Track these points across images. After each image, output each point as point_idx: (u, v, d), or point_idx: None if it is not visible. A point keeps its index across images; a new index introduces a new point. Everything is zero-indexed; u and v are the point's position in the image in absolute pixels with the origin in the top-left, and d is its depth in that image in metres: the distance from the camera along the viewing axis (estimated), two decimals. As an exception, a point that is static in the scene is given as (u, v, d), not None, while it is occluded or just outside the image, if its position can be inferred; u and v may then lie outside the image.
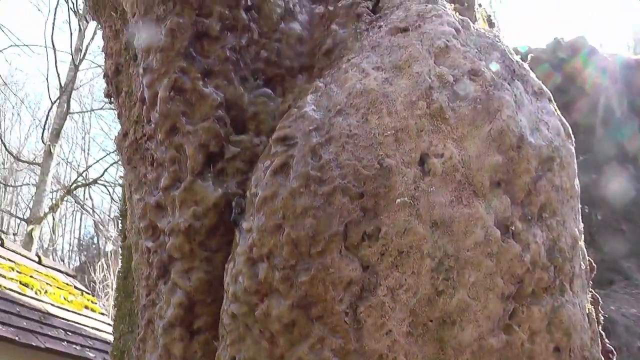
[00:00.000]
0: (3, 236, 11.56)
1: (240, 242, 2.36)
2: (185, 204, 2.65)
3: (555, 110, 2.50)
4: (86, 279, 20.63)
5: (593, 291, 2.57)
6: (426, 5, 2.62)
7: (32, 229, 16.85)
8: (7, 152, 19.15)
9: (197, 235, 2.63)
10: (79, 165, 25.23)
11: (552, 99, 2.54)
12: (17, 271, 8.60)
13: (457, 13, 3.11)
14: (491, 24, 9.74)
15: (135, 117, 2.98)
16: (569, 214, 2.38)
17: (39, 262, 9.92)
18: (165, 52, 2.74)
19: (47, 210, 17.82)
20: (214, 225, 2.63)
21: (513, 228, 2.19)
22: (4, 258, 8.66)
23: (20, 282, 8.32)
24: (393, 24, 2.58)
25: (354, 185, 2.17)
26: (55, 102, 16.94)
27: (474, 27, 2.66)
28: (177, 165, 2.72)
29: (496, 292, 2.14)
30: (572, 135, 2.53)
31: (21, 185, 23.64)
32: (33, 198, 19.27)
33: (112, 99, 3.27)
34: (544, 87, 2.56)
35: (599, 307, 2.60)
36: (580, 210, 2.51)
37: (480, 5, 4.00)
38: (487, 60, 2.46)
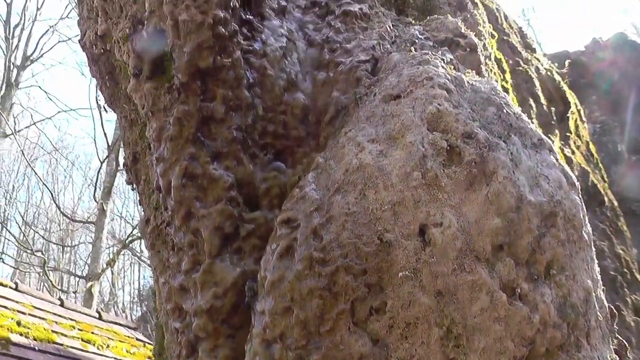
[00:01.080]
0: (62, 296, 12.11)
1: (255, 324, 2.51)
2: (206, 286, 2.82)
3: (557, 160, 2.56)
4: (149, 328, 21.17)
5: (619, 337, 2.58)
6: (418, 68, 2.74)
7: (92, 285, 17.54)
8: (61, 214, 20.15)
9: (219, 315, 2.80)
10: (132, 219, 26.19)
11: (553, 148, 2.60)
12: (78, 329, 9.02)
13: (452, 68, 3.22)
14: (523, 35, 9.72)
15: (154, 204, 3.20)
16: (580, 266, 2.41)
17: (99, 318, 10.36)
18: (175, 140, 2.96)
19: (104, 265, 18.52)
20: (235, 303, 2.80)
21: (519, 290, 2.25)
22: (64, 317, 9.10)
23: (82, 339, 8.72)
24: (386, 91, 2.71)
25: (357, 263, 2.29)
26: (104, 161, 17.72)
27: (468, 83, 2.76)
28: (196, 249, 2.91)
29: (508, 356, 2.20)
30: (577, 184, 2.57)
31: (77, 245, 24.76)
32: (90, 255, 19.99)
33: (133, 185, 3.52)
34: (543, 137, 2.62)
35: (627, 352, 2.60)
36: (594, 257, 2.54)
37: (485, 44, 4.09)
38: (481, 118, 2.55)
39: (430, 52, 2.97)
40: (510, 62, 8.89)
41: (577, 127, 9.97)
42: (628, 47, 13.90)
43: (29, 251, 19.00)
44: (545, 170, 2.47)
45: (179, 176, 2.90)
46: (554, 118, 9.04)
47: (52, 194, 19.74)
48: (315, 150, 3.12)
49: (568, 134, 9.39)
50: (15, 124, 19.95)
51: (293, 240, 2.43)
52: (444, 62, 3.02)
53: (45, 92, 19.55)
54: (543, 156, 2.52)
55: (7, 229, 20.15)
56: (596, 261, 2.55)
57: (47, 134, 22.52)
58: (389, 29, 3.51)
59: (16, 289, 8.65)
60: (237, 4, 3.11)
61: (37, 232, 22.69)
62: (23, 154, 18.66)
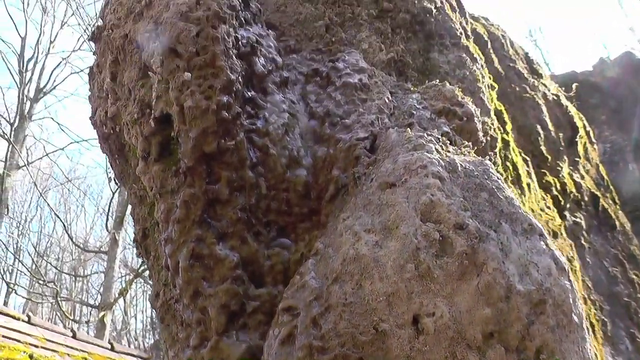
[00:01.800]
0: (75, 325, 12.27)
1: (260, 407, 2.67)
2: (214, 362, 3.00)
3: (547, 245, 2.70)
4: (161, 356, 21.34)
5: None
6: (412, 155, 2.91)
7: (104, 314, 17.76)
8: (74, 245, 20.48)
9: (227, 390, 2.96)
10: (144, 246, 26.30)
11: (543, 233, 2.75)
12: (90, 361, 9.21)
13: (449, 142, 3.39)
14: (529, 61, 9.87)
15: (164, 280, 3.38)
16: (570, 349, 2.55)
17: (112, 349, 10.56)
18: (182, 222, 3.14)
19: (117, 295, 18.75)
20: (241, 378, 2.96)
21: (510, 377, 2.39)
22: (77, 349, 9.28)
23: (94, 372, 8.92)
24: (382, 178, 2.88)
25: (354, 352, 2.45)
26: (115, 191, 18.01)
27: (461, 166, 2.92)
28: (203, 326, 3.08)
29: None
30: (567, 267, 2.71)
31: (90, 275, 25.09)
32: (103, 284, 20.21)
33: (143, 259, 3.70)
34: (534, 221, 2.77)
35: None
36: (585, 336, 2.67)
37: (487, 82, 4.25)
38: (473, 205, 2.71)
39: (425, 134, 3.13)
40: (517, 89, 9.08)
41: (586, 150, 10.10)
42: (635, 65, 14.02)
43: (41, 282, 19.27)
44: (535, 258, 2.61)
45: (186, 257, 3.08)
46: (562, 144, 9.17)
47: (64, 225, 20.07)
48: (317, 227, 3.30)
49: (577, 158, 9.52)
50: (28, 155, 20.38)
51: (294, 328, 2.59)
52: (439, 142, 3.19)
53: (58, 124, 20.08)
54: (533, 242, 2.67)
55: (19, 260, 20.51)
56: (589, 340, 2.68)
57: (59, 164, 22.99)
58: (387, 101, 3.69)
59: (29, 322, 8.82)
60: (239, 85, 3.30)
61: (49, 263, 23.01)
62: (36, 185, 19.05)
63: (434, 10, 4.84)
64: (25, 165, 19.15)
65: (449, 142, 3.42)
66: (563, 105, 9.97)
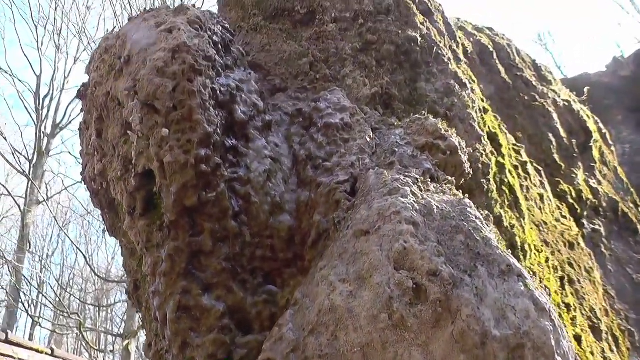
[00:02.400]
0: (100, 355, 12.54)
1: None
2: (203, 413, 3.04)
3: (525, 286, 2.70)
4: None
5: None
6: (386, 200, 2.93)
7: (129, 343, 17.91)
8: (96, 276, 20.73)
9: None
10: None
11: (522, 273, 2.74)
12: (113, 392, 9.31)
13: (429, 179, 3.41)
14: (537, 68, 9.82)
15: (154, 331, 3.44)
16: (553, 393, 2.54)
17: (137, 378, 10.66)
18: (168, 275, 3.19)
19: (140, 322, 18.88)
20: None
21: None
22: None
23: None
24: (357, 226, 2.91)
25: (332, 406, 2.47)
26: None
27: (437, 209, 2.93)
28: (192, 377, 3.13)
29: None
30: (548, 306, 2.70)
31: (113, 304, 25.35)
32: (126, 313, 20.38)
33: (137, 310, 3.77)
34: (512, 262, 2.76)
35: None
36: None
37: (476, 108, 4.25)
38: (448, 250, 2.73)
39: (402, 176, 3.15)
40: (526, 97, 9.07)
41: (602, 154, 10.00)
42: None
43: (65, 314, 19.51)
44: (512, 301, 2.61)
45: (173, 310, 3.13)
46: (576, 150, 9.11)
47: (85, 257, 20.34)
48: (302, 273, 3.33)
49: (593, 164, 9.44)
50: (47, 190, 20.76)
51: (274, 382, 2.62)
52: (418, 182, 3.21)
53: (75, 157, 20.33)
54: (511, 285, 2.67)
55: (42, 294, 20.80)
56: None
57: (78, 197, 23.40)
58: (368, 140, 3.72)
59: (52, 355, 8.96)
60: (218, 136, 3.36)
61: (72, 295, 23.31)
62: (56, 220, 19.36)
63: (420, 39, 4.87)
64: (45, 201, 19.49)
65: (430, 179, 3.45)
66: (574, 110, 9.91)
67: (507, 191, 4.99)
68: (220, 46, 3.96)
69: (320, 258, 3.07)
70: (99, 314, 25.46)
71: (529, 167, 6.83)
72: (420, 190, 3.13)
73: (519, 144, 7.19)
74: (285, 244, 3.40)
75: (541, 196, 6.84)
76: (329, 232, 3.24)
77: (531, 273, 4.66)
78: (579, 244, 6.95)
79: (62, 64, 21.43)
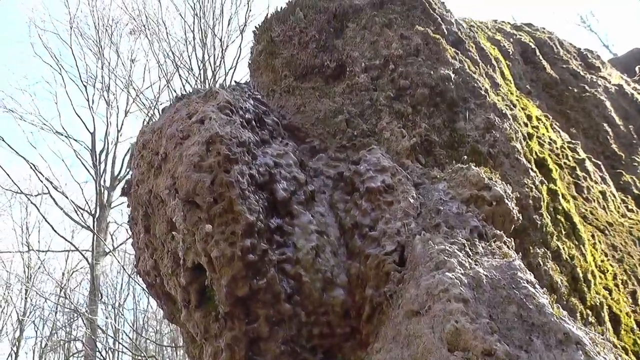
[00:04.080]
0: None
1: None
2: None
3: (585, 354, 2.66)
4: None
5: None
6: (434, 277, 2.95)
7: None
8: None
9: None
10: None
11: (581, 340, 2.70)
12: None
13: (478, 237, 3.40)
14: (583, 57, 9.58)
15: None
16: None
17: None
18: (229, 367, 3.32)
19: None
20: None
21: None
22: None
23: None
24: (407, 306, 2.94)
25: None
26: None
27: (487, 278, 2.93)
28: None
29: None
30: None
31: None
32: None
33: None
34: (569, 329, 2.73)
35: None
36: None
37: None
38: (501, 324, 2.72)
39: (447, 245, 3.17)
40: (575, 90, 8.89)
41: None
42: None
43: (142, 357, 20.08)
44: (574, 373, 2.58)
45: (237, 402, 3.23)
46: (634, 136, 8.82)
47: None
48: (361, 346, 3.38)
49: None
50: (113, 241, 21.60)
51: None
52: (464, 248, 3.21)
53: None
54: (570, 354, 2.64)
55: (118, 342, 21.53)
56: None
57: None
58: (412, 201, 3.74)
59: None
60: (262, 223, 3.46)
61: (147, 339, 24.03)
62: (124, 269, 20.05)
63: (453, 76, 4.86)
64: (111, 251, 20.22)
65: (477, 237, 3.45)
66: (628, 93, 9.62)
67: (562, 219, 4.90)
68: (254, 122, 4.09)
69: (376, 338, 3.12)
70: (176, 354, 26.02)
71: (588, 164, 6.68)
72: (468, 256, 3.14)
73: (574, 141, 7.04)
74: (341, 318, 3.46)
75: (603, 194, 6.67)
76: (382, 305, 3.28)
77: (598, 304, 4.56)
78: None
79: (114, 118, 22.26)
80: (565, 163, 6.26)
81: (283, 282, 3.46)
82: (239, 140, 3.62)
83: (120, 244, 22.09)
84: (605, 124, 8.68)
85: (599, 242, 5.66)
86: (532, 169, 4.72)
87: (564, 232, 4.79)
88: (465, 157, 4.36)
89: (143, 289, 21.43)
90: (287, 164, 3.96)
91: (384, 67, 4.93)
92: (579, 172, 6.40)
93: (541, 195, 4.60)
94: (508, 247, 3.53)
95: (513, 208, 3.82)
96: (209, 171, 3.44)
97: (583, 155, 6.84)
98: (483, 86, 5.08)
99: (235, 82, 5.68)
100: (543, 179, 4.88)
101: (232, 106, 3.89)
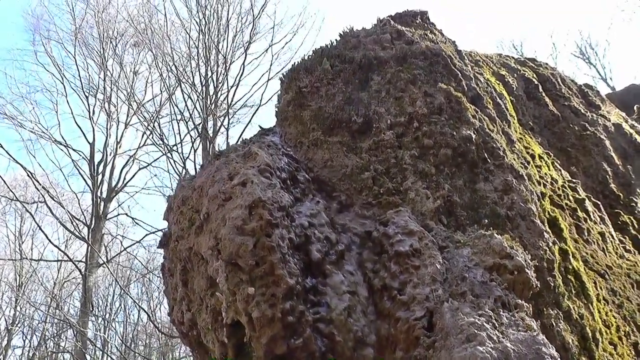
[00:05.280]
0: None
1: None
2: None
3: None
4: None
5: None
6: (466, 350, 3.20)
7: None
8: (159, 332, 21.44)
9: None
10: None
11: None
12: None
13: (502, 307, 3.66)
14: (584, 94, 9.94)
15: None
16: None
17: None
18: None
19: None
20: None
21: None
22: None
23: None
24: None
25: None
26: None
27: (514, 353, 3.18)
28: None
29: None
30: None
31: (179, 359, 26.09)
32: (192, 370, 20.69)
33: None
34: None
35: None
36: None
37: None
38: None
39: (477, 318, 3.42)
40: (576, 128, 9.20)
41: None
42: None
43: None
44: None
45: None
46: (632, 176, 9.12)
47: (148, 314, 21.07)
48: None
49: None
50: (107, 252, 21.71)
51: None
52: (491, 320, 3.47)
53: (132, 218, 21.26)
54: None
55: (107, 354, 21.59)
56: None
57: (138, 256, 24.38)
58: (438, 267, 4.00)
59: None
60: (299, 286, 3.70)
61: (136, 352, 24.11)
62: (117, 282, 20.18)
63: (474, 136, 5.14)
64: (104, 263, 20.34)
65: (501, 307, 3.70)
66: (627, 133, 9.94)
67: (572, 278, 5.17)
68: (289, 182, 4.35)
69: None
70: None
71: (587, 203, 6.96)
72: (495, 328, 3.39)
73: (574, 180, 7.33)
74: (372, 378, 3.69)
75: (602, 235, 6.94)
76: (412, 370, 3.52)
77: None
78: None
79: (114, 130, 22.46)
80: (566, 204, 6.52)
81: (317, 341, 3.69)
82: (279, 205, 3.87)
83: (114, 256, 22.22)
84: (604, 163, 8.95)
85: (600, 288, 5.93)
86: (546, 231, 4.98)
87: (574, 292, 5.05)
88: (486, 220, 4.62)
89: (134, 301, 21.56)
90: (319, 224, 4.21)
91: (409, 124, 5.20)
92: (579, 213, 6.65)
93: (554, 256, 4.87)
94: (528, 316, 3.78)
95: (532, 277, 4.09)
96: (252, 235, 3.68)
97: (583, 194, 7.10)
98: (501, 146, 5.36)
99: (260, 127, 5.94)
100: (555, 239, 5.15)
101: (271, 168, 4.15)
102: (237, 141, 5.49)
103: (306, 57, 6.11)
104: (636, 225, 8.03)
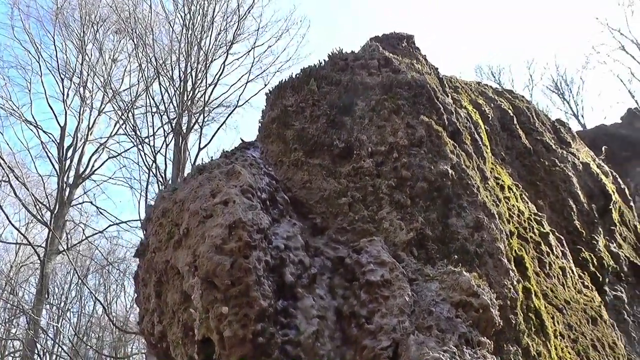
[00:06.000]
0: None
1: None
2: None
3: None
4: None
5: None
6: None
7: (145, 397, 18.19)
8: (114, 326, 21.23)
9: None
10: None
11: None
12: None
13: (465, 344, 3.82)
14: (556, 130, 10.27)
15: None
16: None
17: None
18: None
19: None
20: None
21: None
22: None
23: None
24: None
25: None
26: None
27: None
28: None
29: None
30: None
31: (130, 356, 25.77)
32: (144, 367, 20.63)
33: None
34: None
35: None
36: None
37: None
38: None
39: (441, 355, 3.57)
40: (546, 163, 9.49)
41: (621, 214, 10.36)
42: None
43: (81, 365, 19.88)
44: None
45: None
46: (596, 215, 9.46)
47: (104, 307, 20.85)
48: None
49: (612, 227, 9.79)
50: (68, 239, 21.37)
51: None
52: (455, 356, 3.63)
53: (97, 207, 21.00)
54: None
55: (59, 345, 21.27)
56: None
57: (99, 247, 24.06)
58: (407, 299, 4.14)
59: None
60: (272, 309, 3.81)
61: (88, 345, 23.80)
62: (76, 271, 19.93)
63: (451, 172, 5.31)
64: (65, 250, 20.08)
65: (465, 344, 3.86)
66: (594, 173, 10.29)
67: (533, 316, 5.38)
68: (268, 202, 4.45)
69: None
70: (117, 365, 25.83)
71: (551, 238, 7.22)
72: (458, 367, 3.55)
73: (540, 214, 7.59)
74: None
75: (563, 270, 7.20)
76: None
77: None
78: (601, 316, 7.28)
79: (87, 115, 22.18)
80: (531, 237, 6.76)
81: (285, 363, 3.80)
82: (258, 227, 3.98)
83: (75, 244, 21.92)
84: (570, 200, 9.23)
85: (558, 322, 6.17)
86: (512, 269, 5.18)
87: (533, 329, 5.26)
88: (455, 255, 4.78)
89: (91, 292, 21.32)
90: (294, 247, 4.33)
91: (389, 154, 5.36)
92: (543, 246, 6.89)
93: (518, 295, 5.07)
94: (490, 353, 3.96)
95: (496, 315, 4.27)
96: (230, 255, 3.78)
97: (548, 228, 7.36)
98: (475, 183, 5.55)
99: (242, 140, 6.03)
100: (520, 278, 5.35)
101: (253, 189, 4.25)
102: (223, 151, 5.54)
103: (294, 75, 6.23)
104: (596, 263, 8.33)
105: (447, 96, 6.62)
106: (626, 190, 11.67)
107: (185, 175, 4.64)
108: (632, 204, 11.48)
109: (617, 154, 14.01)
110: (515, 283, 5.14)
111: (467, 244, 5.01)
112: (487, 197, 5.62)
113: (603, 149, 13.27)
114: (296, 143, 5.44)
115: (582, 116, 29.76)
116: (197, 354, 3.81)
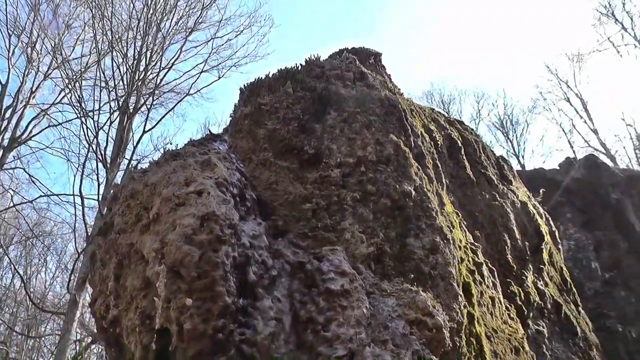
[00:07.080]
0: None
1: None
2: None
3: None
4: None
5: None
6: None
7: (57, 378, 17.61)
8: (31, 302, 20.42)
9: None
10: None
11: None
12: None
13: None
14: (500, 167, 10.63)
15: None
16: None
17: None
18: None
19: (70, 359, 18.64)
20: None
21: None
22: None
23: None
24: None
25: None
26: (82, 252, 18.16)
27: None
28: None
29: None
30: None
31: (44, 336, 24.78)
32: (57, 347, 20.06)
33: None
34: None
35: None
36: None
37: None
38: None
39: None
40: (487, 196, 9.77)
41: (550, 255, 10.80)
42: (598, 168, 15.08)
43: (-11, 341, 19.10)
44: None
45: None
46: (528, 252, 9.82)
47: (23, 281, 20.09)
48: None
49: (542, 265, 10.19)
50: (-6, 204, 20.51)
51: None
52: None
53: (29, 175, 20.17)
54: None
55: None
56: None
57: (25, 216, 23.05)
58: (364, 311, 4.21)
59: None
60: (234, 306, 3.79)
61: (1, 319, 22.79)
62: (-1, 237, 19.05)
63: (413, 193, 5.42)
64: (-12, 215, 19.25)
65: (417, 364, 3.96)
66: (530, 212, 10.68)
67: (474, 341, 5.55)
68: (238, 198, 4.43)
69: None
70: (27, 342, 24.87)
71: (484, 268, 7.45)
72: (411, 383, 3.63)
73: (476, 244, 7.83)
74: None
75: (493, 299, 7.46)
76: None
77: None
78: (523, 347, 7.57)
79: (31, 77, 21.28)
80: (466, 265, 6.99)
81: (239, 361, 3.79)
82: (230, 222, 3.96)
83: (1, 211, 21.02)
84: (506, 235, 9.56)
85: (486, 349, 6.39)
86: (460, 294, 5.33)
87: (473, 353, 5.43)
88: (411, 275, 4.89)
89: (11, 262, 20.51)
90: (259, 246, 4.32)
91: (356, 167, 5.42)
92: (476, 275, 7.13)
93: (463, 319, 5.22)
94: (438, 374, 4.07)
95: (447, 337, 4.39)
96: (199, 247, 3.74)
97: (482, 259, 7.60)
98: (434, 207, 5.69)
99: (209, 132, 5.98)
100: (466, 303, 5.52)
101: (227, 183, 4.22)
102: (190, 140, 5.47)
103: (270, 75, 6.23)
104: (523, 297, 8.67)
105: (415, 118, 6.76)
106: (556, 233, 12.17)
107: (157, 160, 4.55)
108: (560, 246, 12.00)
109: (552, 198, 14.61)
110: (462, 308, 5.29)
111: (422, 264, 5.12)
112: (443, 222, 5.77)
113: (541, 191, 13.80)
114: (267, 143, 5.44)
115: (523, 157, 30.92)
116: (153, 343, 3.75)
